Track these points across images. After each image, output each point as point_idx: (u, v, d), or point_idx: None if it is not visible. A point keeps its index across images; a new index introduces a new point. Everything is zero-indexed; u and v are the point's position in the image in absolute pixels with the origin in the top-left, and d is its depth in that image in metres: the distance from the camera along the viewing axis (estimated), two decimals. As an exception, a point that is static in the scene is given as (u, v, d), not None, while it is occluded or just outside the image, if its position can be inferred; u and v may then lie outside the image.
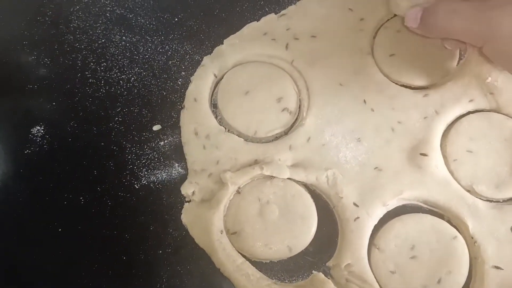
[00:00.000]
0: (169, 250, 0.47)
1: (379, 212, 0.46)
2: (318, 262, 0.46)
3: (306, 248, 0.46)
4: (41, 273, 0.47)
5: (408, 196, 0.47)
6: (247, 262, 0.45)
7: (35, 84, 0.54)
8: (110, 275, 0.46)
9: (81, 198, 0.49)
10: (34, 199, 0.49)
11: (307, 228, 0.46)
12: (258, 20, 0.55)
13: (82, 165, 0.50)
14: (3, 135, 0.52)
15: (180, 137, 0.51)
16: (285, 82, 0.51)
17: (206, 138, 0.49)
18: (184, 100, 0.52)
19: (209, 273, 0.46)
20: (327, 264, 0.46)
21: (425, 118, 0.49)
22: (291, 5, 0.56)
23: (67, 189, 0.49)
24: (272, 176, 0.47)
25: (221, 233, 0.46)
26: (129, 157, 0.50)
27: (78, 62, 0.54)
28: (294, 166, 0.48)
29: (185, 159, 0.50)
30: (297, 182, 0.48)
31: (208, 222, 0.46)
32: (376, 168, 0.48)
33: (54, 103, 0.53)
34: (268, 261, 0.46)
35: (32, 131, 0.52)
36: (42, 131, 0.52)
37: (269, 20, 0.55)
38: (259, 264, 0.46)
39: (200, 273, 0.46)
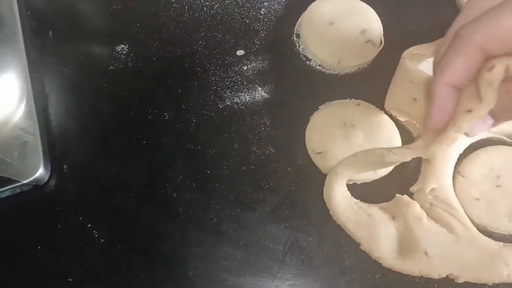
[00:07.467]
0: (253, 167, 0.47)
1: (464, 141, 0.46)
2: (400, 187, 0.46)
3: (389, 173, 0.47)
4: (125, 182, 0.48)
5: (494, 128, 0.47)
6: (333, 180, 0.46)
7: (120, 5, 0.55)
8: (193, 187, 0.47)
9: (165, 114, 0.50)
10: (118, 113, 0.50)
11: (392, 153, 0.46)
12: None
13: (166, 83, 0.51)
14: (88, 51, 0.53)
15: (263, 63, 0.51)
16: (369, 14, 0.52)
17: None
18: (266, 29, 0.53)
19: (291, 190, 0.46)
20: (410, 189, 0.46)
21: None
22: None
23: (151, 105, 0.50)
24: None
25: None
26: (213, 79, 0.51)
27: (162, -14, 0.55)
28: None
29: (268, 84, 0.50)
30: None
31: None
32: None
33: (138, 24, 0.54)
34: (351, 183, 0.47)
35: (116, 49, 0.53)
36: (126, 49, 0.52)
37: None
38: (342, 185, 0.46)
39: (283, 190, 0.46)
